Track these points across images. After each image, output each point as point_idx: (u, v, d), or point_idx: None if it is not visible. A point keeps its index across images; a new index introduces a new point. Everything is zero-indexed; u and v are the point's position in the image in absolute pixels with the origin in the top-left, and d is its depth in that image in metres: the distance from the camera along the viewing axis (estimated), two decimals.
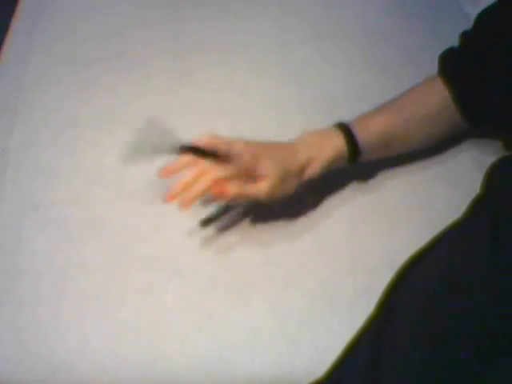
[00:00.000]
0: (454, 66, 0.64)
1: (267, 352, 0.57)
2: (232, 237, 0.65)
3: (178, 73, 0.80)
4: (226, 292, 0.61)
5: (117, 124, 0.76)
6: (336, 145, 0.61)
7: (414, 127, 0.64)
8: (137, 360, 0.57)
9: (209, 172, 0.57)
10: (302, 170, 0.60)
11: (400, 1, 0.87)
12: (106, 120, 0.76)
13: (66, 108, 0.78)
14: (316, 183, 0.67)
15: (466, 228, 0.51)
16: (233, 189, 0.57)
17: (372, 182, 0.68)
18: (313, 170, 0.60)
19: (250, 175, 0.58)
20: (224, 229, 0.65)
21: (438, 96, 0.64)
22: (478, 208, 0.52)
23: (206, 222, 0.66)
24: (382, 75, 0.78)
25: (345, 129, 0.61)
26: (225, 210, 0.66)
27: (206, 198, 0.60)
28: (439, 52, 0.67)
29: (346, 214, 0.66)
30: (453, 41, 0.66)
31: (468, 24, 0.65)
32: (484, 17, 0.63)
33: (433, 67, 0.66)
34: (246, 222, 0.66)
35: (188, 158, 0.59)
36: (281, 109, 0.76)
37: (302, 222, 0.65)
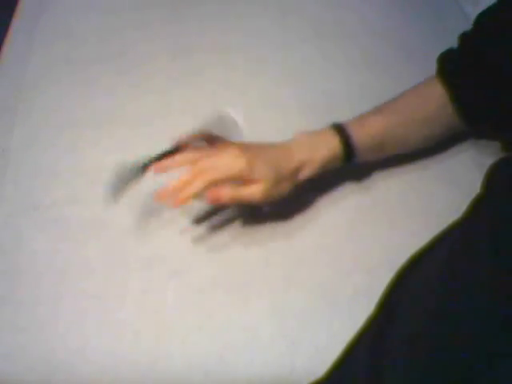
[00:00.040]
0: (453, 67, 0.64)
1: (267, 352, 0.57)
2: (232, 237, 0.65)
3: (177, 73, 0.80)
4: (225, 292, 0.61)
5: (117, 124, 0.76)
6: (331, 146, 0.60)
7: (410, 129, 0.64)
8: (137, 360, 0.57)
9: (202, 174, 0.57)
10: (297, 171, 0.60)
11: (400, 1, 0.87)
12: (106, 120, 0.76)
13: (65, 108, 0.78)
14: (316, 183, 0.67)
15: (466, 228, 0.51)
16: (227, 193, 0.57)
17: (372, 183, 0.68)
18: (307, 172, 0.60)
19: (243, 178, 0.57)
20: (224, 229, 0.65)
21: (436, 97, 0.64)
22: (478, 208, 0.51)
23: (200, 220, 0.65)
24: (382, 75, 0.78)
25: (340, 130, 0.61)
26: (224, 210, 0.66)
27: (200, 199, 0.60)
28: (439, 52, 0.67)
29: (345, 214, 0.66)
30: (453, 41, 0.66)
31: (468, 24, 0.65)
32: (484, 18, 0.63)
33: (433, 67, 0.66)
34: (245, 222, 0.66)
35: (184, 157, 0.59)
36: (281, 109, 0.76)
37: (302, 222, 0.65)
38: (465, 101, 0.63)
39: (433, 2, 0.89)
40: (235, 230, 0.65)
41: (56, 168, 0.71)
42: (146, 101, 0.77)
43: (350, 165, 0.63)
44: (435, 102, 0.64)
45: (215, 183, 0.57)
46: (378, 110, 0.64)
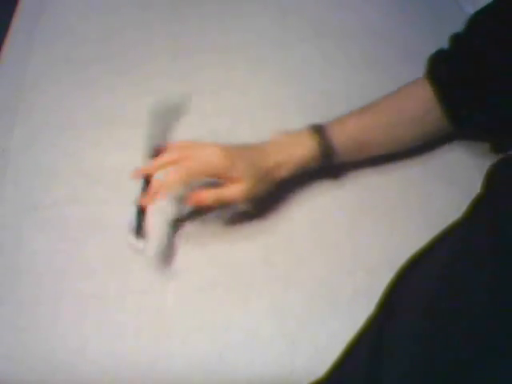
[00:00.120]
0: (444, 68, 0.63)
1: (267, 352, 0.57)
2: (232, 237, 0.65)
3: (177, 73, 0.80)
4: (225, 292, 0.61)
5: (117, 124, 0.76)
6: (307, 147, 0.61)
7: (394, 130, 0.64)
8: (137, 360, 0.57)
9: (179, 171, 0.57)
10: (273, 171, 0.60)
11: (400, 1, 0.87)
12: (106, 120, 0.76)
13: (66, 108, 0.78)
14: (315, 183, 0.67)
15: (466, 228, 0.51)
16: (209, 195, 0.58)
17: (372, 182, 0.68)
18: (284, 172, 0.60)
19: (222, 175, 0.58)
20: (224, 229, 0.65)
21: (423, 98, 0.63)
22: (478, 208, 0.51)
23: (200, 220, 0.65)
24: (382, 75, 0.78)
25: (318, 131, 0.61)
26: (224, 210, 0.66)
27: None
28: None
29: (345, 213, 0.66)
30: None
31: None
32: (477, 19, 0.62)
33: None
34: (245, 222, 0.66)
35: (162, 160, 0.59)
36: (281, 109, 0.76)
37: (302, 222, 0.65)
38: (453, 102, 0.62)
39: (433, 2, 0.89)
40: (235, 230, 0.65)
41: (56, 168, 0.71)
42: (146, 101, 0.77)
43: (332, 164, 0.63)
44: (422, 102, 0.63)
45: (193, 178, 0.58)
46: (360, 111, 0.64)
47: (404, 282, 0.52)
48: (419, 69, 0.67)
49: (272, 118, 0.74)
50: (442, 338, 0.46)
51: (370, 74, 0.79)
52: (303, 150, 0.60)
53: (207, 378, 0.56)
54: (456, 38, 0.63)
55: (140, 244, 0.59)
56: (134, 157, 0.66)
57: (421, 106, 0.63)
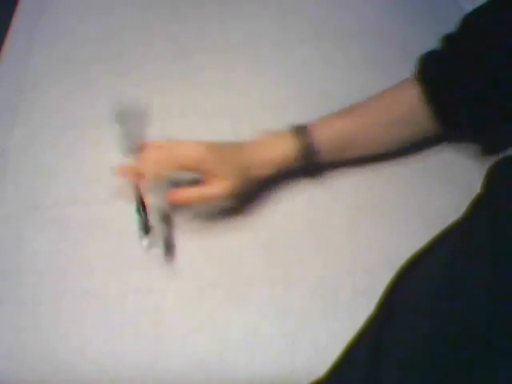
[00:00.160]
0: (434, 69, 0.63)
1: (267, 352, 0.57)
2: (232, 237, 0.65)
3: (178, 73, 0.80)
4: (225, 292, 0.61)
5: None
6: (287, 147, 0.61)
7: (380, 130, 0.63)
8: (137, 360, 0.57)
9: (160, 164, 0.59)
10: (256, 169, 0.60)
11: (400, 1, 0.87)
12: (106, 120, 0.76)
13: (66, 108, 0.78)
14: (315, 183, 0.67)
15: (466, 228, 0.51)
16: (192, 193, 0.58)
17: (372, 182, 0.68)
18: (266, 170, 0.61)
19: (203, 170, 0.58)
20: (224, 229, 0.65)
21: (411, 99, 0.63)
22: (478, 208, 0.52)
23: (200, 220, 0.66)
24: (382, 75, 0.78)
25: (300, 131, 0.62)
26: (224, 210, 0.66)
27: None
28: None
29: (345, 213, 0.66)
30: None
31: None
32: (471, 19, 0.61)
33: None
34: (245, 222, 0.66)
35: (145, 156, 0.60)
36: (281, 109, 0.76)
37: (302, 222, 0.65)
38: (442, 103, 0.61)
39: (433, 2, 0.89)
40: (235, 230, 0.65)
41: (56, 168, 0.71)
42: (147, 101, 0.77)
43: (316, 164, 0.63)
44: (409, 103, 0.63)
45: (173, 169, 0.58)
46: (345, 111, 0.64)
47: (404, 282, 0.52)
48: None
49: (272, 118, 0.74)
50: (442, 338, 0.46)
51: (370, 74, 0.79)
52: (285, 149, 0.61)
53: (207, 378, 0.56)
54: (448, 39, 0.63)
55: (145, 241, 0.61)
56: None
57: (408, 106, 0.63)
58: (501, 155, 0.61)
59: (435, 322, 0.47)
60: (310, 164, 0.63)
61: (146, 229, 0.62)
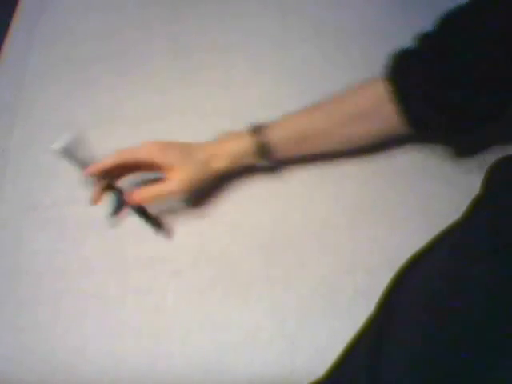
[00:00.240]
0: (404, 67, 0.61)
1: (267, 352, 0.57)
2: (232, 237, 0.65)
3: (177, 72, 0.80)
4: (225, 292, 0.61)
5: (117, 123, 0.76)
6: (243, 142, 0.62)
7: (338, 125, 0.63)
8: (136, 360, 0.57)
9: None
10: (209, 162, 0.61)
11: (400, 1, 0.87)
12: (106, 119, 0.76)
13: (65, 108, 0.78)
14: (315, 183, 0.67)
15: (466, 228, 0.51)
16: (148, 192, 0.59)
17: (371, 183, 0.68)
18: (220, 163, 0.62)
19: (155, 162, 0.60)
20: (224, 229, 0.65)
21: (375, 96, 0.62)
22: (478, 208, 0.51)
23: (200, 220, 0.66)
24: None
25: (257, 128, 0.63)
26: (224, 211, 0.66)
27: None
28: None
29: (345, 213, 0.66)
30: None
31: None
32: (449, 19, 0.60)
33: None
34: (245, 222, 0.66)
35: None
36: (281, 109, 0.76)
37: (302, 222, 0.65)
38: (410, 101, 0.60)
39: (433, 2, 0.89)
40: (235, 230, 0.65)
41: (56, 168, 0.71)
42: (146, 100, 0.77)
43: (273, 160, 0.64)
44: (373, 99, 0.62)
45: (125, 160, 0.60)
46: (308, 107, 0.64)
47: (404, 282, 0.52)
48: None
49: (271, 117, 0.74)
50: (442, 338, 0.46)
51: (370, 74, 0.79)
52: (238, 144, 0.62)
53: (207, 378, 0.56)
54: (423, 38, 0.61)
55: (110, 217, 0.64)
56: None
57: (371, 102, 0.62)
58: (501, 155, 0.61)
59: (435, 322, 0.47)
60: (268, 160, 0.63)
61: (116, 210, 0.65)
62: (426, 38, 0.61)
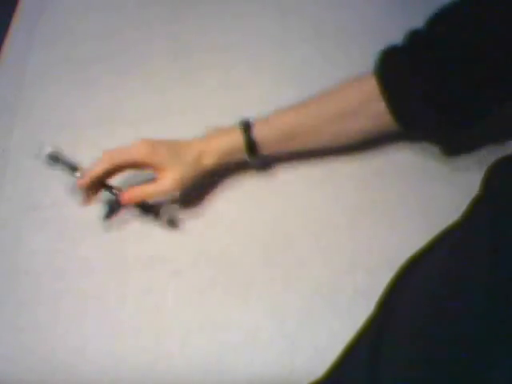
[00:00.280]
0: (392, 63, 0.61)
1: (267, 352, 0.57)
2: (232, 237, 0.65)
3: (178, 72, 0.80)
4: (225, 292, 0.61)
5: (117, 123, 0.76)
6: (231, 137, 0.62)
7: (325, 121, 0.63)
8: (137, 360, 0.57)
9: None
10: (199, 159, 0.61)
11: (400, 1, 0.87)
12: (105, 119, 0.76)
13: (65, 107, 0.78)
14: (315, 183, 0.67)
15: (465, 228, 0.51)
16: (140, 191, 0.60)
17: (371, 183, 0.68)
18: (209, 159, 0.62)
19: (146, 164, 0.60)
20: (224, 229, 0.65)
21: (364, 93, 0.61)
22: (477, 208, 0.51)
23: (200, 220, 0.66)
24: None
25: (245, 124, 0.63)
26: (224, 210, 0.66)
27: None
28: None
29: (345, 213, 0.66)
30: None
31: None
32: (438, 17, 0.60)
33: None
34: (245, 222, 0.66)
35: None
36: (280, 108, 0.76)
37: (302, 222, 0.65)
38: (398, 98, 0.60)
39: (433, 2, 0.89)
40: (235, 229, 0.65)
41: (49, 164, 0.71)
42: (146, 100, 0.77)
43: (261, 156, 0.64)
44: (361, 96, 0.62)
45: (116, 163, 0.60)
46: (296, 104, 0.64)
47: (404, 282, 0.52)
48: None
49: None
50: (442, 338, 0.46)
51: None
52: (226, 140, 0.63)
53: (207, 378, 0.56)
54: (412, 35, 0.61)
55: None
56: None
57: (360, 99, 0.62)
58: (501, 155, 0.61)
59: (435, 322, 0.46)
60: (256, 156, 0.64)
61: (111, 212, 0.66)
62: (414, 35, 0.61)
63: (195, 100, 0.77)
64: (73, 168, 0.62)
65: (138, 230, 0.66)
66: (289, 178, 0.68)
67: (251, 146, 0.62)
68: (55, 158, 0.63)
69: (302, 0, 0.88)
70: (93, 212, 0.67)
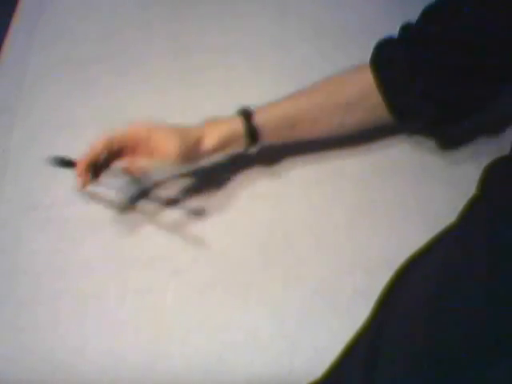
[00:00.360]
0: (388, 55, 0.62)
1: (267, 352, 0.57)
2: (232, 237, 0.65)
3: (178, 73, 0.80)
4: (225, 292, 0.61)
5: (117, 124, 0.75)
6: (231, 124, 0.63)
7: (323, 111, 0.63)
8: (137, 360, 0.57)
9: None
10: (197, 141, 0.61)
11: (400, 1, 0.87)
12: (105, 120, 0.76)
13: (65, 108, 0.78)
14: (314, 183, 0.67)
15: (462, 229, 0.51)
16: (140, 162, 0.60)
17: (371, 182, 0.68)
18: (206, 143, 0.61)
19: (144, 136, 0.60)
20: (224, 229, 0.65)
21: (361, 84, 0.62)
22: (474, 209, 0.52)
23: (200, 220, 0.66)
24: None
25: (245, 112, 0.63)
26: (224, 210, 0.66)
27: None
28: None
29: (345, 213, 0.66)
30: None
31: None
32: (432, 9, 0.61)
33: None
34: (244, 222, 0.66)
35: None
36: None
37: (301, 222, 0.65)
38: (393, 90, 0.61)
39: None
40: (235, 229, 0.65)
41: (55, 168, 0.71)
42: (146, 100, 0.77)
43: (261, 144, 0.64)
44: (359, 87, 0.62)
45: (114, 141, 0.60)
46: (295, 93, 0.64)
47: (402, 282, 0.52)
48: None
49: None
50: (442, 338, 0.46)
51: None
52: (227, 126, 0.63)
53: (207, 378, 0.56)
54: (406, 27, 0.62)
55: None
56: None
57: (357, 90, 0.62)
58: (498, 155, 0.61)
59: (434, 322, 0.47)
60: (255, 144, 0.64)
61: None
62: (409, 28, 0.61)
63: (195, 100, 0.77)
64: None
65: (138, 230, 0.66)
66: (288, 178, 0.68)
67: (252, 132, 0.62)
68: (68, 163, 0.62)
69: (301, 0, 0.88)
70: (93, 212, 0.67)
